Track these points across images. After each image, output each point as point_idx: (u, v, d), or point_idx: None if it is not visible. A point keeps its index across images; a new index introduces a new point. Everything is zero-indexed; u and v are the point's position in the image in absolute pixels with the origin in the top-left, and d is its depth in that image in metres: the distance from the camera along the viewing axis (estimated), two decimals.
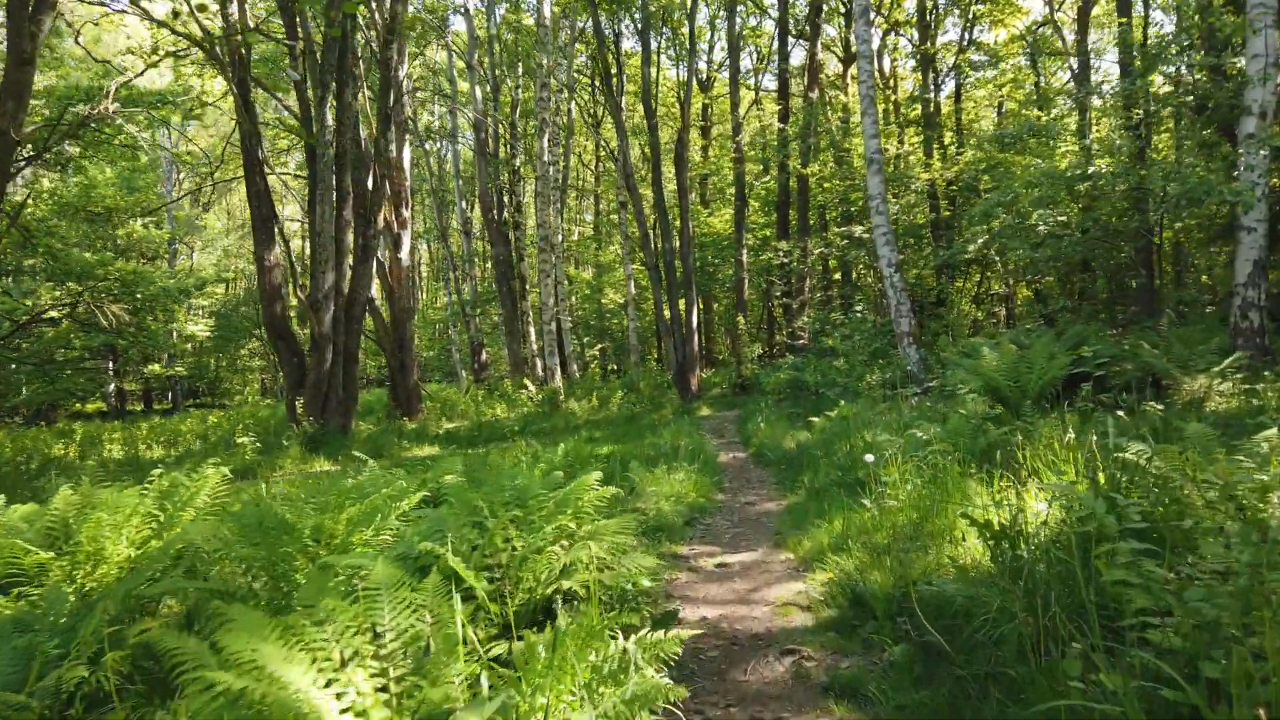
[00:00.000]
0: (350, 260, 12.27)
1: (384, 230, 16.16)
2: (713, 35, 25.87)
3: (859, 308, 15.50)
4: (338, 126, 11.88)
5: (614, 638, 1.95)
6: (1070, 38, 18.35)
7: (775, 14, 20.85)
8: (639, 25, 17.33)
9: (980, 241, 12.95)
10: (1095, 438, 3.72)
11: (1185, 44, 10.57)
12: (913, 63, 21.12)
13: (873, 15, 19.06)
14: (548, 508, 2.82)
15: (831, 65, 23.02)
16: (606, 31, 18.24)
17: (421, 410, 15.97)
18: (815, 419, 8.90)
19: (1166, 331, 8.91)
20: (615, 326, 27.47)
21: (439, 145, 28.90)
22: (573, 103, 23.28)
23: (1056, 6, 19.13)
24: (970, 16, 19.32)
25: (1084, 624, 2.36)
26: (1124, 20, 11.70)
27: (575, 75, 22.65)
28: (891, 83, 21.95)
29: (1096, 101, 14.28)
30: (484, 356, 23.35)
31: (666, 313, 16.70)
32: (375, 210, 12.83)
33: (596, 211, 33.67)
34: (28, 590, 3.14)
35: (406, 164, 16.74)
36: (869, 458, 4.52)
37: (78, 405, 28.87)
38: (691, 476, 6.34)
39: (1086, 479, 3.08)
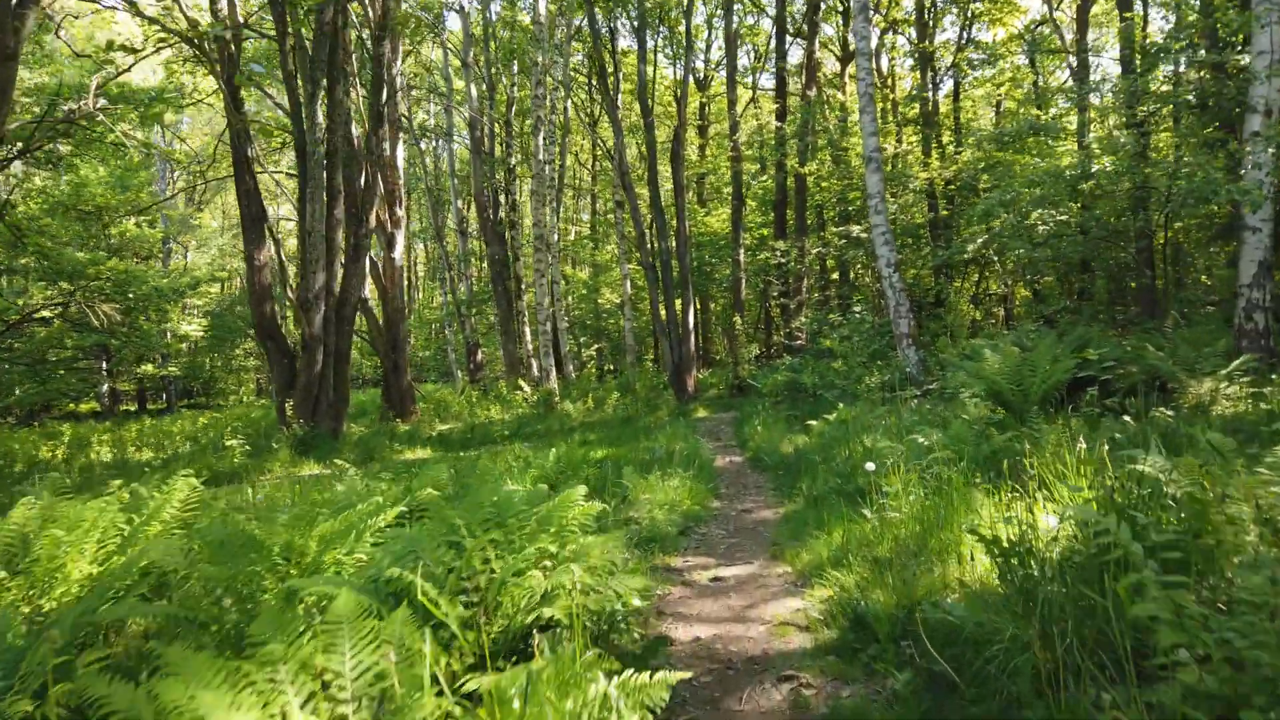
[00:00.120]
0: (342, 260, 12.08)
1: (377, 229, 15.98)
2: (710, 34, 25.72)
3: (857, 308, 15.34)
4: (328, 124, 11.68)
5: (594, 682, 1.78)
6: (1069, 36, 18.21)
7: (773, 12, 20.68)
8: (635, 23, 17.16)
9: (980, 241, 12.80)
10: (1107, 448, 3.55)
11: (1184, 43, 10.43)
12: (911, 61, 20.97)
13: (871, 13, 18.91)
14: (529, 526, 2.66)
15: (829, 64, 22.85)
16: (602, 29, 18.05)
17: (415, 411, 15.80)
18: (813, 422, 8.74)
19: (1172, 333, 8.75)
20: (612, 326, 27.31)
21: (435, 144, 28.70)
22: (569, 101, 23.09)
23: (1055, 5, 18.99)
24: (969, 15, 19.17)
25: (1103, 654, 2.20)
26: (1129, 15, 11.54)
27: (572, 74, 22.46)
28: (890, 82, 21.79)
29: (1095, 99, 14.15)
30: (479, 357, 23.15)
31: (663, 313, 16.54)
32: (367, 209, 12.65)
33: (593, 211, 33.49)
34: None
35: (400, 162, 16.54)
36: (869, 466, 4.36)
37: (71, 405, 28.66)
38: (686, 483, 6.17)
39: (1100, 493, 2.91)
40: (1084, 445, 3.58)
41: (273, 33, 12.83)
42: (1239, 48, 11.01)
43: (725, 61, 21.23)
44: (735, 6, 20.97)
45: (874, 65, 18.79)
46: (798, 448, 7.80)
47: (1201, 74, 10.54)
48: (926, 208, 18.05)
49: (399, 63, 15.94)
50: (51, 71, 18.72)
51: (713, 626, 3.43)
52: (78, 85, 15.21)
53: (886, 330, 12.91)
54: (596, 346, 28.65)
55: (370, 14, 13.55)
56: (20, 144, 13.16)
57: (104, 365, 26.33)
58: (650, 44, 21.28)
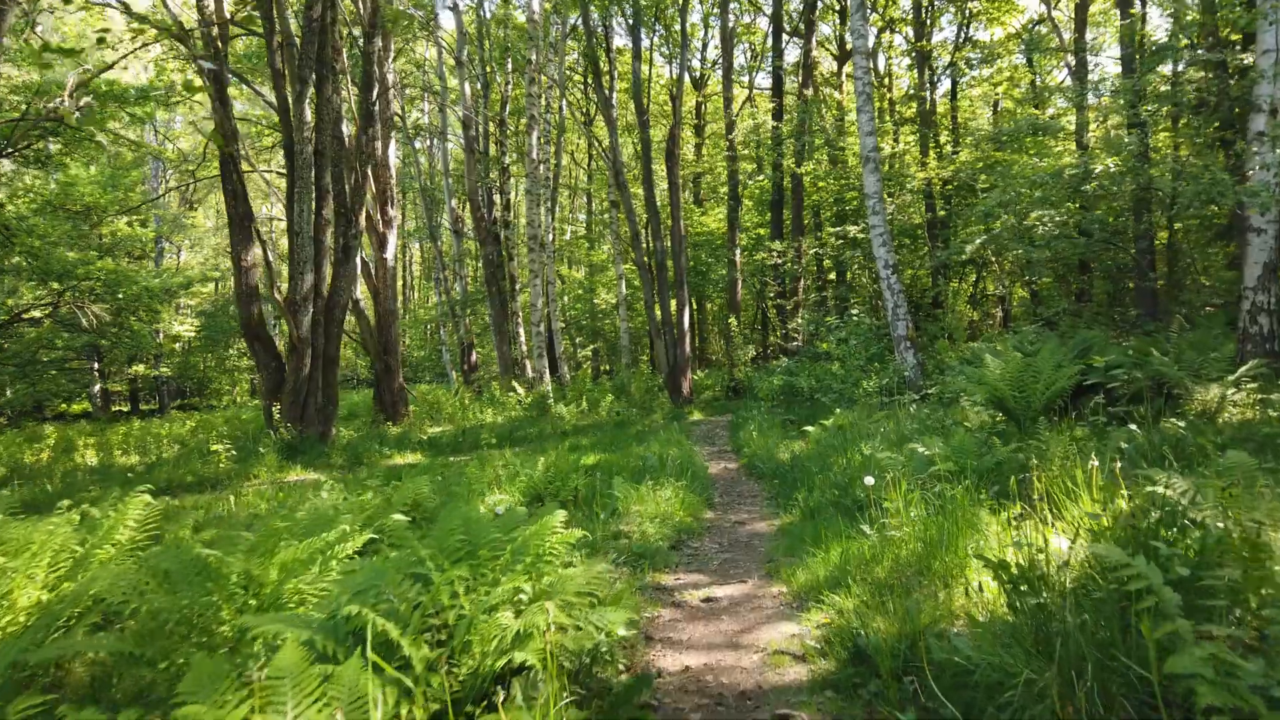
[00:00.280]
0: (331, 261, 11.87)
1: (369, 230, 15.76)
2: (706, 33, 25.52)
3: (854, 310, 15.16)
4: (317, 122, 11.47)
5: None
6: (1067, 36, 18.05)
7: (769, 10, 20.50)
8: (630, 21, 16.96)
9: (979, 242, 12.64)
10: (1119, 464, 3.37)
11: (1188, 41, 10.27)
12: (908, 61, 20.82)
13: (869, 12, 18.74)
14: (503, 557, 2.46)
15: (826, 63, 22.67)
16: (597, 26, 17.86)
17: (407, 414, 15.58)
18: (810, 428, 8.56)
19: (1177, 337, 8.58)
20: (608, 327, 27.11)
21: (429, 143, 28.46)
22: (564, 100, 22.88)
23: (1053, 4, 18.82)
24: (966, 14, 19.01)
25: (1128, 704, 2.01)
26: (1133, 11, 11.37)
27: (567, 73, 22.26)
28: (887, 81, 21.63)
29: (1092, 99, 13.98)
30: (474, 358, 22.92)
31: (658, 314, 16.35)
32: (356, 209, 12.43)
33: (589, 211, 33.29)
34: None
35: (392, 162, 16.32)
36: (869, 480, 4.18)
37: (63, 406, 28.41)
38: (679, 493, 5.98)
39: (1118, 522, 2.73)
40: (1095, 462, 3.39)
41: (260, 29, 12.60)
42: (1238, 47, 10.86)
43: (721, 60, 21.05)
44: (731, 5, 20.79)
45: (871, 64, 18.63)
46: (794, 455, 7.62)
47: (1204, 74, 10.38)
48: (924, 208, 17.89)
49: (391, 60, 15.72)
50: (41, 69, 18.45)
51: (703, 654, 3.24)
52: (64, 83, 14.96)
53: (884, 333, 12.75)
54: (593, 347, 28.46)
55: (361, 10, 13.33)
56: (4, 143, 12.93)
57: (95, 366, 26.08)
58: (646, 42, 21.10)
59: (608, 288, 26.81)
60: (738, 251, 19.49)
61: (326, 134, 11.47)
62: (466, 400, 17.03)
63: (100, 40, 6.76)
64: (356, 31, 15.40)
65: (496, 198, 21.25)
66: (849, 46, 17.94)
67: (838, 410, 9.36)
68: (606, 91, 17.75)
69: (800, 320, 17.57)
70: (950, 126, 19.63)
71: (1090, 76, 16.79)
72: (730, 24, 20.73)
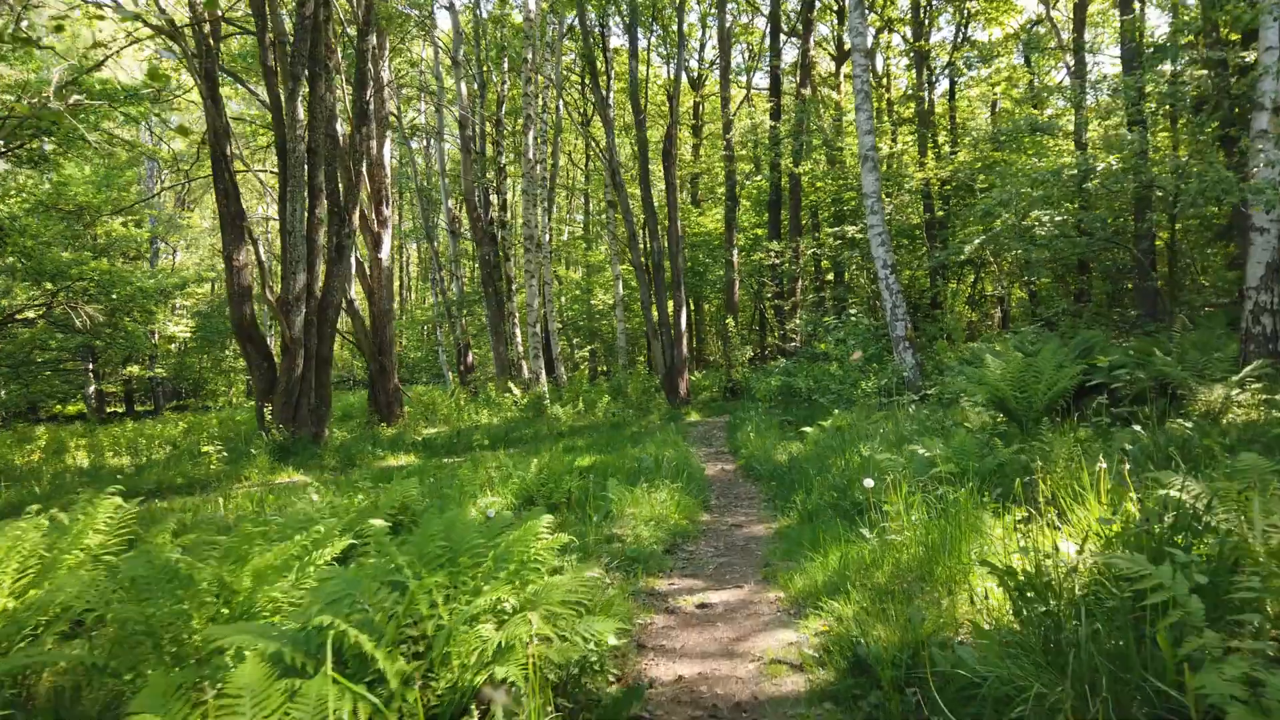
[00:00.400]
0: (323, 261, 11.74)
1: (364, 230, 15.64)
2: (704, 33, 25.43)
3: (853, 310, 15.06)
4: (309, 120, 11.34)
5: None
6: (1065, 36, 17.98)
7: (767, 10, 20.42)
8: (626, 19, 16.86)
9: (977, 242, 12.55)
10: (1127, 466, 3.26)
11: (1191, 37, 10.18)
12: (906, 61, 20.74)
13: (867, 12, 18.65)
14: (485, 563, 2.35)
15: (824, 64, 22.60)
16: (594, 26, 17.76)
17: (402, 415, 15.45)
18: (808, 429, 8.45)
19: (1180, 337, 8.48)
20: (605, 328, 26.98)
21: (426, 143, 28.33)
22: (561, 100, 22.78)
23: (1052, 4, 18.76)
24: (965, 14, 18.94)
25: (1144, 716, 1.90)
26: (1134, 6, 11.29)
27: (564, 74, 22.15)
28: (885, 82, 21.55)
29: (1091, 100, 13.90)
30: (470, 358, 22.78)
31: (655, 314, 16.23)
32: (350, 208, 12.31)
33: (586, 211, 33.18)
34: None
35: (388, 161, 16.19)
36: (868, 482, 4.07)
37: (58, 408, 28.24)
38: (674, 495, 5.86)
39: (1131, 527, 2.62)
40: (1103, 464, 3.28)
41: (252, 26, 12.48)
42: (1236, 45, 10.78)
43: (719, 60, 20.96)
44: (729, 5, 20.70)
45: (869, 63, 18.54)
46: (792, 456, 7.51)
47: (1205, 72, 10.30)
48: (922, 208, 17.80)
49: (385, 59, 15.60)
50: (33, 69, 18.33)
51: (698, 663, 3.13)
52: (63, 82, 14.83)
53: (882, 333, 12.64)
54: (590, 348, 28.33)
55: (354, 7, 13.22)
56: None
57: (89, 367, 25.91)
58: (643, 42, 21.02)
59: (605, 288, 26.69)
60: (735, 252, 19.38)
61: (319, 132, 11.35)
62: (462, 401, 16.90)
63: (98, 44, 6.65)
64: (352, 31, 15.29)
65: (493, 198, 21.13)
66: (847, 46, 17.85)
67: (836, 411, 9.26)
68: (603, 91, 17.65)
69: (798, 321, 17.47)
70: (948, 127, 19.55)
71: (1089, 77, 16.72)
72: (728, 24, 20.64)
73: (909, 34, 19.39)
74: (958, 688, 2.26)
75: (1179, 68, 10.79)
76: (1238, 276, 9.66)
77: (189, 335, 29.74)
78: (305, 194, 11.28)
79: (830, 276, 20.95)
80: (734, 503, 6.53)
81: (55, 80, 7.89)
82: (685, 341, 16.49)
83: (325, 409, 11.83)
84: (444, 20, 28.07)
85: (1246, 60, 9.58)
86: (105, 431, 16.86)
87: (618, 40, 23.08)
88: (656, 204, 17.40)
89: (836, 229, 17.33)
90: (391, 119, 18.75)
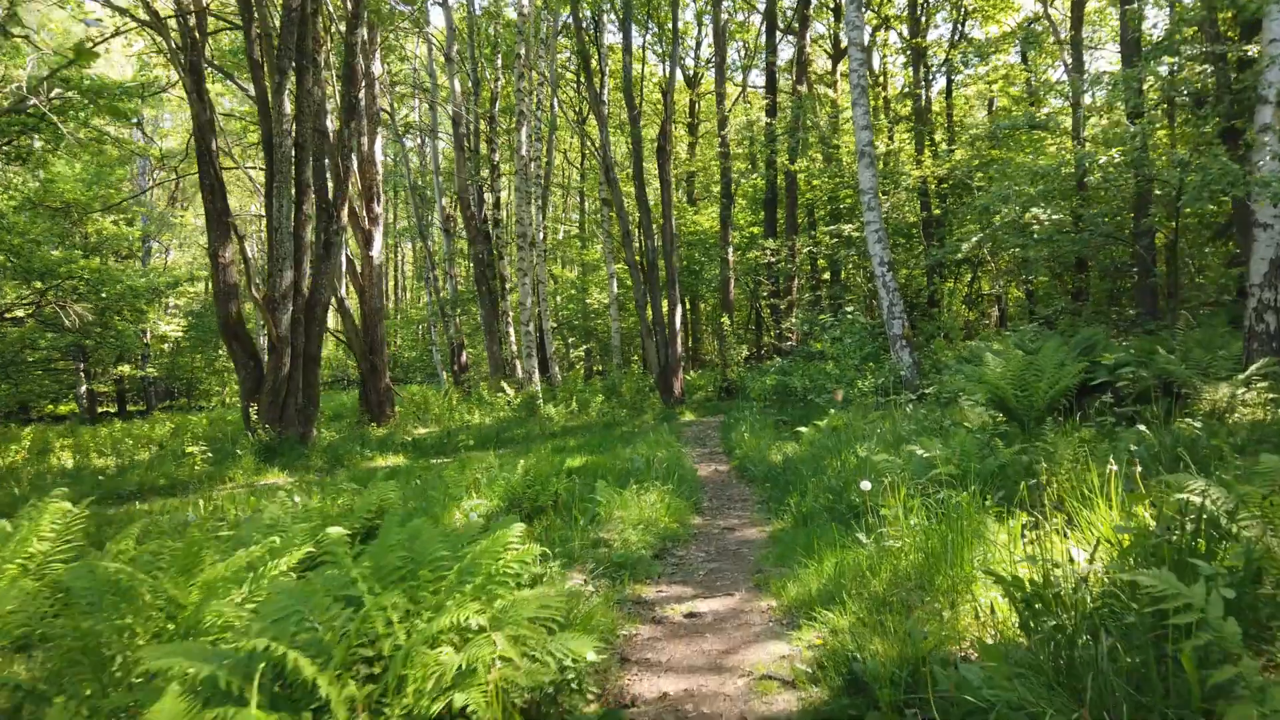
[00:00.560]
0: (311, 258, 11.53)
1: (355, 227, 15.43)
2: (699, 30, 25.26)
3: (849, 309, 14.90)
4: (297, 114, 11.13)
5: None
6: (1063, 34, 17.84)
7: (763, 7, 20.26)
8: (620, 16, 16.67)
9: (975, 239, 12.39)
10: (1140, 468, 3.09)
11: (1194, 29, 10.03)
12: (903, 59, 20.60)
13: (864, 9, 18.49)
14: (449, 577, 2.16)
15: (820, 62, 22.43)
16: (588, 22, 17.57)
17: (393, 415, 15.25)
18: (803, 429, 8.27)
19: (1183, 335, 8.33)
20: (600, 327, 26.79)
21: (419, 140, 28.12)
22: (556, 98, 22.58)
23: (1050, 2, 18.62)
24: (962, 12, 18.80)
25: None
26: (1132, 2, 11.15)
27: (560, 71, 21.96)
28: (882, 79, 21.40)
29: (1089, 97, 13.74)
30: (464, 358, 22.56)
31: (649, 313, 16.05)
32: (339, 204, 12.10)
33: (582, 210, 32.98)
34: None
35: (379, 158, 15.98)
36: (865, 485, 3.89)
37: (50, 408, 27.97)
38: (665, 498, 5.68)
39: (1148, 534, 2.44)
40: (1114, 465, 3.10)
41: (240, 20, 12.26)
42: (1235, 41, 10.62)
43: (715, 57, 20.79)
44: (725, 2, 20.53)
45: (866, 58, 18.38)
46: (787, 456, 7.33)
47: (1204, 67, 10.15)
48: (919, 206, 17.65)
49: (376, 54, 15.40)
50: (18, 64, 18.09)
51: (684, 678, 2.94)
52: (57, 79, 14.60)
53: (879, 332, 12.47)
54: (585, 347, 28.13)
55: (344, 1, 13.02)
56: None
57: (80, 367, 25.65)
58: (639, 40, 20.85)
59: (600, 287, 26.50)
60: (731, 250, 19.21)
61: (307, 126, 11.14)
62: (455, 401, 16.70)
63: (89, 40, 6.45)
64: (344, 28, 15.07)
65: (487, 196, 20.92)
66: (843, 44, 17.71)
67: (832, 410, 9.08)
68: (598, 88, 17.47)
69: (794, 319, 17.30)
70: (945, 125, 19.40)
71: (1087, 73, 16.58)
72: (724, 21, 20.47)
73: (906, 31, 19.23)
74: (964, 713, 2.08)
75: (1179, 64, 10.65)
76: (1237, 275, 9.51)
77: (181, 334, 29.50)
78: (292, 189, 11.08)
79: (826, 275, 20.79)
80: (727, 505, 6.35)
81: (24, 76, 7.65)
82: (680, 340, 16.30)
83: (313, 409, 11.63)
84: (437, 17, 27.84)
85: (1248, 54, 9.43)
86: (92, 432, 16.62)
87: (613, 37, 22.88)
88: (651, 202, 17.22)
89: (833, 227, 17.16)
90: (384, 116, 18.55)
